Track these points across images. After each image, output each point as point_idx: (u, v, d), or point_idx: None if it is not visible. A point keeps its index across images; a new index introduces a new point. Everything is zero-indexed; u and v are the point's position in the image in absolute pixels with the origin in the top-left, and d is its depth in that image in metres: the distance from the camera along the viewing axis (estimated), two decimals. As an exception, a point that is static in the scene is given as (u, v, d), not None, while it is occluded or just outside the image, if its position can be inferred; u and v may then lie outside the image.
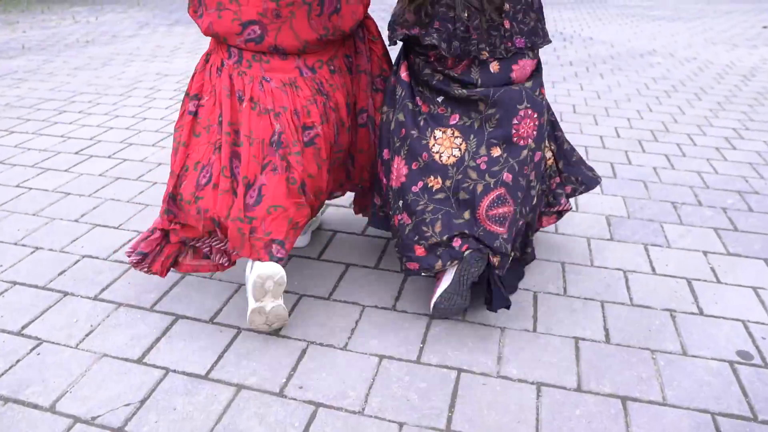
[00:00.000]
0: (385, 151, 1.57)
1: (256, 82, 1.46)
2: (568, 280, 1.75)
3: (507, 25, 1.46)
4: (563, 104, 3.50)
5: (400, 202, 1.52)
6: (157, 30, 5.94)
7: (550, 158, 1.72)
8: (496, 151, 1.50)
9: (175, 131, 1.55)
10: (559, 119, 3.23)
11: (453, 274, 1.46)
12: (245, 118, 1.45)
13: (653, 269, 1.82)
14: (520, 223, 1.55)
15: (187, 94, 1.54)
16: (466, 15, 1.43)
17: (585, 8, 7.76)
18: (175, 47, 5.08)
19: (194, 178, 1.47)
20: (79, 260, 1.85)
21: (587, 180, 1.77)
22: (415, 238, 1.49)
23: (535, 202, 1.61)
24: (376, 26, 1.68)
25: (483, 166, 1.48)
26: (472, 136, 1.50)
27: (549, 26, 6.31)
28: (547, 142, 1.68)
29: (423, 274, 1.49)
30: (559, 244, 1.95)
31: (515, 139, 1.51)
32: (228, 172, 1.44)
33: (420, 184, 1.50)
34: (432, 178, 1.50)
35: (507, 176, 1.49)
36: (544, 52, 4.91)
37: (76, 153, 2.73)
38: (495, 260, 1.48)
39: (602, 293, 1.69)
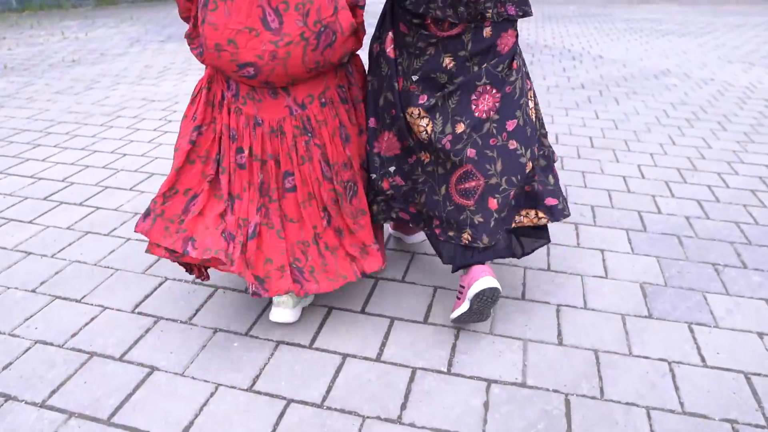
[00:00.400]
0: (372, 120, 1.66)
1: (250, 126, 1.56)
2: (604, 377, 1.48)
3: None
4: (580, 136, 3.24)
5: (391, 168, 1.66)
6: (148, 47, 5.68)
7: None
8: (460, 128, 1.57)
9: (175, 150, 1.62)
10: (576, 155, 2.97)
11: (469, 303, 1.56)
12: (247, 164, 1.57)
13: (703, 359, 1.55)
14: (511, 193, 1.59)
15: (185, 116, 1.62)
16: None
17: (592, 23, 7.52)
18: (165, 68, 4.82)
19: (182, 203, 1.58)
20: (30, 348, 1.58)
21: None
22: (409, 199, 1.71)
23: (529, 170, 1.63)
24: (361, 61, 1.75)
25: (447, 146, 1.57)
26: (438, 114, 1.57)
27: (555, 42, 6.07)
28: (530, 106, 1.69)
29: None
30: (590, 324, 1.68)
31: (477, 114, 1.57)
32: (224, 202, 1.59)
33: (414, 157, 1.66)
34: (423, 153, 1.64)
35: (470, 152, 1.57)
36: (554, 74, 4.66)
37: (45, 198, 2.47)
38: (465, 236, 1.60)
39: (646, 395, 1.42)
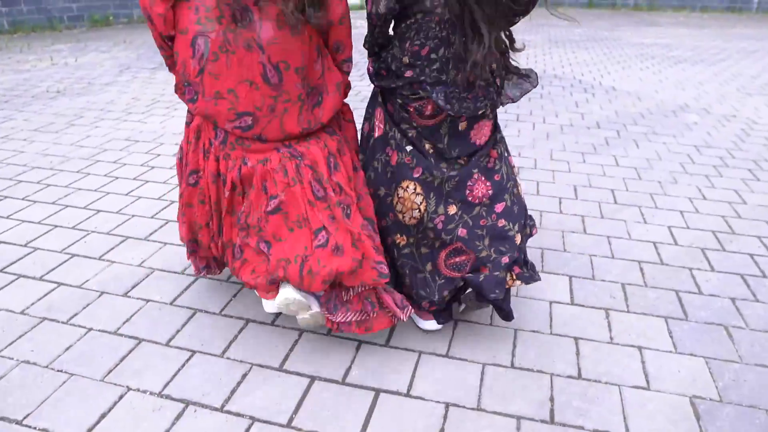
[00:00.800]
0: None
1: (236, 167, 1.60)
2: None
3: (498, 82, 1.62)
4: (601, 189, 2.95)
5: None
6: (138, 75, 5.42)
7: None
8: (452, 209, 1.65)
9: (179, 197, 1.79)
10: (599, 213, 2.68)
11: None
12: (228, 198, 1.66)
13: None
14: (502, 259, 1.66)
15: (180, 159, 1.78)
16: (458, 77, 1.53)
17: (600, 48, 7.28)
18: (153, 100, 4.55)
19: (208, 233, 1.79)
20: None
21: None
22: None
23: (519, 242, 1.71)
24: (350, 110, 1.82)
25: (440, 226, 1.64)
26: (432, 194, 1.63)
27: (565, 71, 5.81)
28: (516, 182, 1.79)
29: None
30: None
31: (470, 199, 1.65)
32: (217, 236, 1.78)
33: (389, 239, 1.72)
34: (398, 235, 1.70)
35: (462, 231, 1.65)
36: (566, 110, 4.38)
37: (1, 271, 2.18)
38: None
39: None
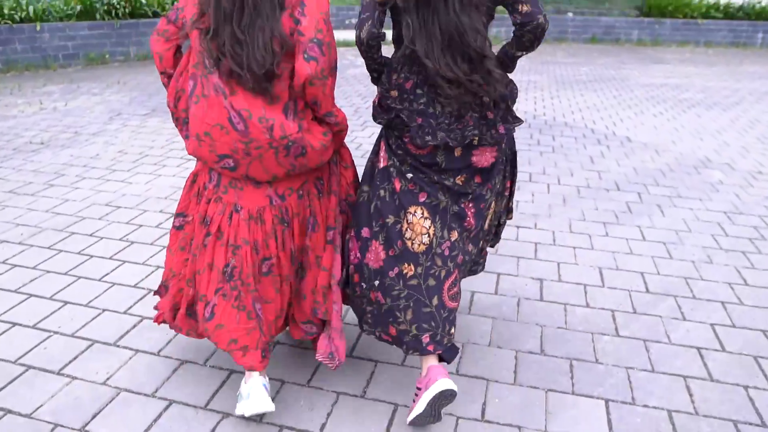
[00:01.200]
0: (365, 229, 1.72)
1: (227, 212, 1.64)
2: None
3: (491, 115, 1.65)
4: (629, 272, 2.65)
5: (376, 282, 1.70)
6: (129, 123, 5.17)
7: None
8: (455, 235, 1.71)
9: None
10: (631, 307, 2.37)
11: (426, 403, 1.60)
12: (210, 246, 1.66)
13: None
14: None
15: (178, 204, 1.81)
16: (447, 111, 1.61)
17: (609, 90, 7.05)
18: (141, 153, 4.28)
19: (177, 284, 1.80)
20: None
21: None
22: (390, 320, 1.70)
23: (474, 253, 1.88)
24: (350, 155, 1.86)
25: (446, 252, 1.69)
26: (437, 218, 1.68)
27: (575, 117, 5.56)
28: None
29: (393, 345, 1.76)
30: None
31: (466, 224, 1.74)
32: (191, 284, 1.75)
33: (396, 270, 1.68)
34: (406, 265, 1.68)
35: (460, 258, 1.74)
36: (582, 167, 4.10)
37: (-59, 391, 1.86)
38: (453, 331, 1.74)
39: None
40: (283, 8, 1.48)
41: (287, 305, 1.78)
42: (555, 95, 6.58)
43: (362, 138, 4.66)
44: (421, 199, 1.67)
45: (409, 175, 1.68)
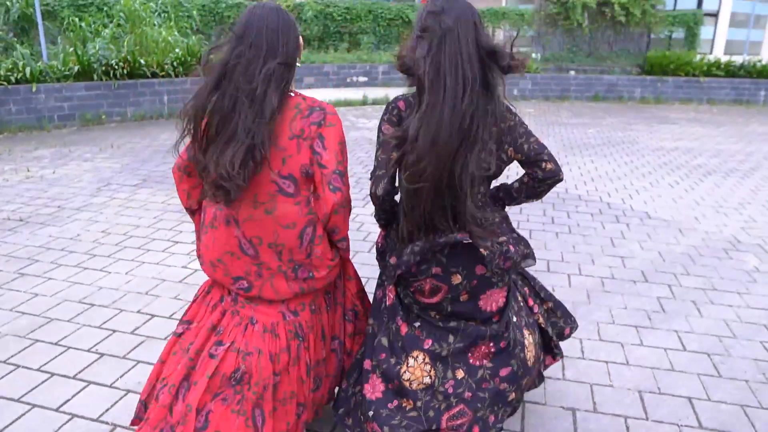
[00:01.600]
0: (367, 361, 1.75)
1: (243, 325, 1.68)
2: None
3: (512, 248, 1.66)
4: (674, 397, 2.27)
5: (371, 413, 1.69)
6: (118, 194, 4.89)
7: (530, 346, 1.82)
8: (460, 374, 1.70)
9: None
10: (684, 452, 1.99)
11: None
12: (220, 355, 1.64)
13: None
14: (491, 419, 1.70)
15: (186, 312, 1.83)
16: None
17: (619, 154, 6.83)
18: (126, 234, 3.96)
19: (156, 391, 1.71)
20: None
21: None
22: None
23: (512, 398, 1.75)
24: (354, 268, 1.92)
25: (450, 390, 1.69)
26: (439, 363, 1.70)
27: (588, 189, 5.28)
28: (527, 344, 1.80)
29: None
30: None
31: (471, 361, 1.71)
32: (174, 391, 1.64)
33: (395, 402, 1.70)
34: (405, 399, 1.70)
35: (467, 394, 1.69)
36: (602, 251, 3.77)
37: None
38: None
39: None
40: (273, 116, 1.51)
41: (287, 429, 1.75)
42: (565, 162, 6.34)
43: (364, 215, 4.35)
44: (425, 346, 1.69)
45: (417, 323, 1.71)
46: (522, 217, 4.40)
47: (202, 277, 3.22)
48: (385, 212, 1.71)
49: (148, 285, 3.19)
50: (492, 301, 1.70)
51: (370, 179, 1.63)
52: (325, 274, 1.70)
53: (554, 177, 1.64)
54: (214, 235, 1.63)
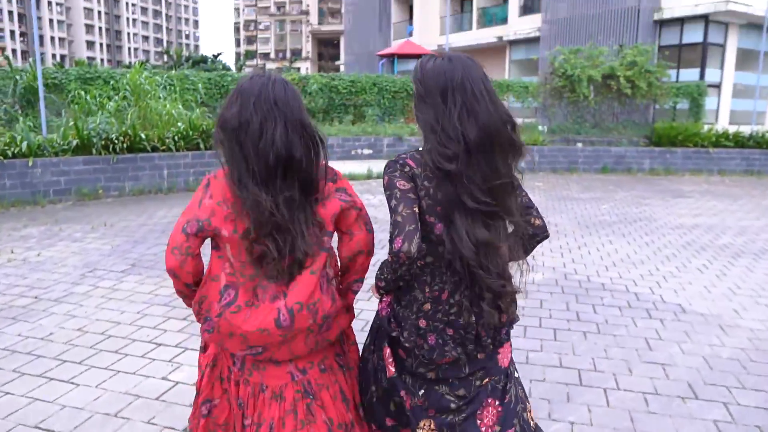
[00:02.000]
0: (373, 426, 1.76)
1: (255, 393, 1.65)
2: None
3: (503, 319, 1.61)
4: None
5: None
6: (102, 282, 4.51)
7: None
8: None
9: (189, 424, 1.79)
10: None
11: None
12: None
13: None
14: None
15: (198, 392, 1.76)
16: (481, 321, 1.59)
17: (637, 234, 6.47)
18: (103, 334, 3.55)
19: None
20: None
21: None
22: None
23: None
24: (353, 332, 1.87)
25: None
26: (445, 429, 1.63)
27: (611, 275, 4.88)
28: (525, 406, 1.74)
29: None
30: None
31: (482, 428, 1.62)
32: None
33: None
34: None
35: None
36: (638, 356, 3.32)
37: None
38: None
39: None
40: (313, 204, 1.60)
41: None
42: (581, 243, 5.97)
43: (366, 311, 3.94)
44: (430, 414, 1.65)
45: (421, 392, 1.65)
46: (544, 312, 3.97)
47: (183, 394, 2.79)
48: (408, 272, 1.58)
49: (119, 403, 2.75)
50: (504, 354, 1.69)
51: (393, 239, 1.48)
52: (340, 323, 1.71)
53: (543, 234, 1.67)
54: (249, 313, 1.56)
